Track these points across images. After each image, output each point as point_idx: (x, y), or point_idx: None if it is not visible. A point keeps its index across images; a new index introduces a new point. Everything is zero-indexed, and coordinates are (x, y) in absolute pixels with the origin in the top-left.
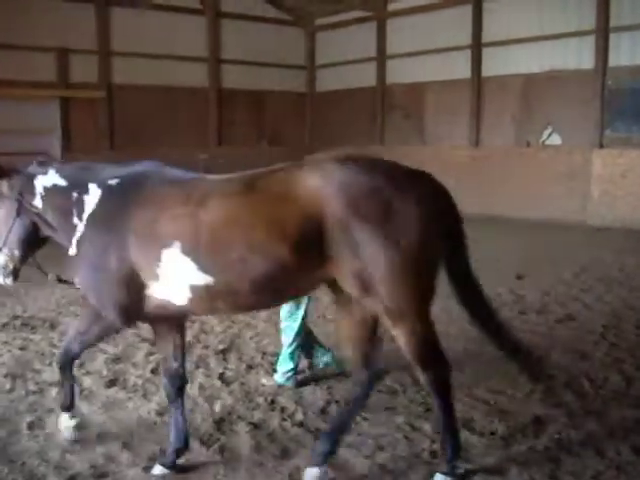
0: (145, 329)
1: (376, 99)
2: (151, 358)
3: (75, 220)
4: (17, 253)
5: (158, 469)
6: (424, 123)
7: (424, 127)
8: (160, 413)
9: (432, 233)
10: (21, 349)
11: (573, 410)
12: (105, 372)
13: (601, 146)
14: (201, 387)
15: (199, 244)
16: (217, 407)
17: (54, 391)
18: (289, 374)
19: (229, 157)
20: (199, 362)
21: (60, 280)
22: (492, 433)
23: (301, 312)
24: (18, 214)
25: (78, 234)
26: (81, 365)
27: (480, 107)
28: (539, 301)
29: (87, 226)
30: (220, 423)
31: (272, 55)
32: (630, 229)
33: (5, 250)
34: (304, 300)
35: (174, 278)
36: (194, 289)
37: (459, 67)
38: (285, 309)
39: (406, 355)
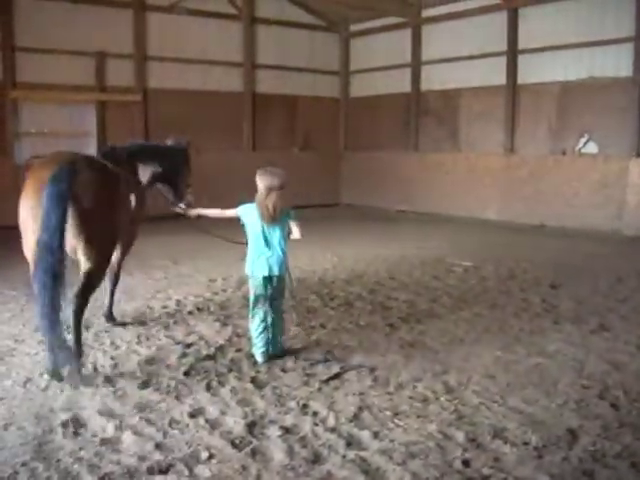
0: (179, 332)
1: (410, 105)
2: (184, 360)
3: None
4: None
5: None
6: (458, 130)
7: (458, 134)
8: (192, 415)
9: None
10: None
11: (607, 422)
12: (139, 373)
13: (638, 155)
14: (233, 390)
15: None
16: (249, 410)
17: (89, 390)
18: (262, 350)
19: (263, 161)
20: (231, 365)
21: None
22: (525, 443)
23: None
24: None
25: None
26: (115, 366)
27: (515, 114)
28: (573, 310)
29: None
30: (252, 427)
31: (306, 60)
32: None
33: None
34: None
35: None
36: None
37: (494, 74)
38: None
39: None
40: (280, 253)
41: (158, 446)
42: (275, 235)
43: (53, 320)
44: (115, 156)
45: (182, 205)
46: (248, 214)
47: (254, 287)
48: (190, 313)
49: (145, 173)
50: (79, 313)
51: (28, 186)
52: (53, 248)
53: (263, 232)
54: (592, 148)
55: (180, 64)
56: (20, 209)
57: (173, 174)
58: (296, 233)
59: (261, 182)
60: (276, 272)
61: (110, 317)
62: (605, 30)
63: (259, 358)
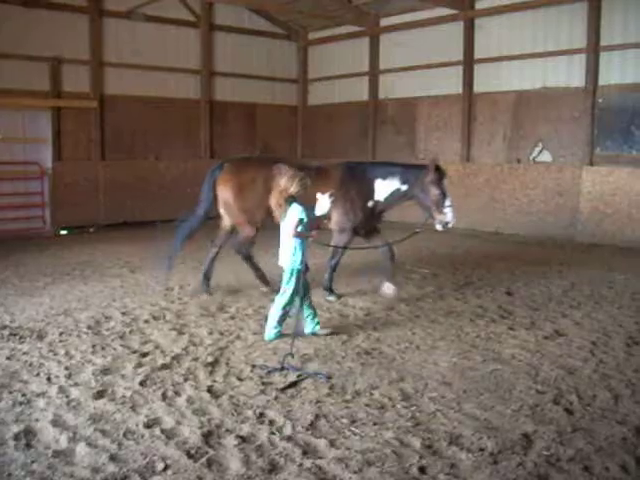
0: (135, 341)
1: (368, 113)
2: (139, 370)
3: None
4: None
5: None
6: (415, 138)
7: (415, 142)
8: (148, 425)
9: None
10: (8, 359)
11: (562, 427)
12: (93, 384)
13: (591, 164)
14: (189, 400)
15: None
16: (205, 420)
17: (41, 402)
18: (276, 331)
19: None
20: (187, 374)
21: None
22: (481, 449)
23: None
24: None
25: None
26: (69, 376)
27: (471, 123)
28: (528, 317)
29: None
30: (208, 436)
31: (265, 68)
32: (618, 247)
33: None
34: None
35: None
36: None
37: (451, 83)
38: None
39: None
40: (284, 247)
41: (113, 458)
42: (282, 230)
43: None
44: (352, 171)
45: (439, 226)
46: None
47: None
48: (146, 322)
49: (383, 189)
50: None
51: None
52: None
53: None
54: (546, 157)
55: (137, 70)
56: None
57: (417, 192)
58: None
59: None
60: (280, 263)
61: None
62: (559, 41)
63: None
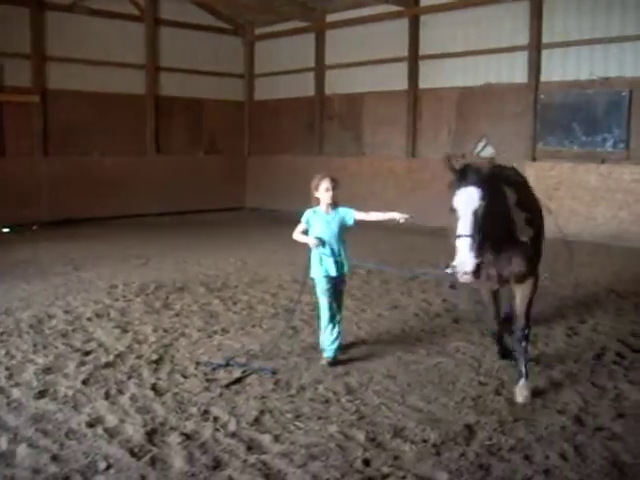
0: (77, 340)
1: (314, 109)
2: (82, 369)
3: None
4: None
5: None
6: (362, 134)
7: (362, 138)
8: (91, 424)
9: None
10: None
11: (503, 417)
12: (35, 383)
13: (534, 159)
14: (133, 398)
15: None
16: (149, 418)
17: None
18: (334, 346)
19: (167, 165)
20: (131, 372)
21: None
22: (424, 441)
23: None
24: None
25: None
26: (10, 376)
27: (416, 119)
28: (472, 310)
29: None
30: (152, 434)
31: (211, 63)
32: (561, 240)
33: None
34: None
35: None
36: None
37: (396, 79)
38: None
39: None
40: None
41: (54, 458)
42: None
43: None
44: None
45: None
46: None
47: None
48: (89, 320)
49: None
50: None
51: None
52: None
53: None
54: (490, 152)
55: (81, 65)
56: None
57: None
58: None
59: None
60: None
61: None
62: (502, 38)
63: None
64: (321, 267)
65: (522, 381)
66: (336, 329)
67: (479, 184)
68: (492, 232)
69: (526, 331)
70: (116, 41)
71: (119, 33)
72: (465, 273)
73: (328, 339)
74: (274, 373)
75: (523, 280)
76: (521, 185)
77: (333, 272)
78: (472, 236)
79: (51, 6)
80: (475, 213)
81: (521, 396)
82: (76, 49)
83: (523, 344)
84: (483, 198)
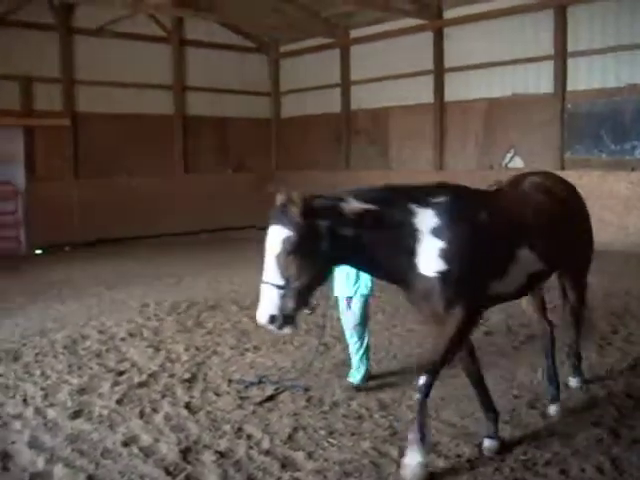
0: (111, 360)
1: (341, 125)
2: (116, 389)
3: (409, 242)
4: (311, 292)
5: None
6: (388, 148)
7: (388, 152)
8: (126, 443)
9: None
10: None
11: (537, 431)
12: (70, 403)
13: (562, 168)
14: (167, 416)
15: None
16: (183, 436)
17: (17, 424)
18: (365, 375)
19: (195, 184)
20: (165, 391)
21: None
22: (458, 456)
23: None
24: (323, 247)
25: (431, 251)
26: (45, 397)
27: (443, 131)
28: (504, 323)
29: (444, 240)
30: (186, 452)
31: (237, 82)
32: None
33: (298, 291)
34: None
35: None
36: (530, 276)
37: (422, 92)
38: (351, 321)
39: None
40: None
41: (91, 478)
42: None
43: None
44: None
45: None
46: None
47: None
48: (122, 340)
49: None
50: None
51: None
52: None
53: None
54: (518, 163)
55: (109, 87)
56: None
57: None
58: None
59: None
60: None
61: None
62: (526, 49)
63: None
64: (340, 287)
65: (409, 457)
66: (359, 353)
67: (289, 223)
68: (319, 277)
69: (425, 379)
70: (143, 63)
71: (146, 55)
72: (261, 325)
73: (353, 363)
74: (306, 390)
75: (441, 318)
76: (471, 207)
77: (348, 292)
78: (276, 284)
79: (79, 30)
80: (278, 258)
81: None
82: (104, 72)
83: (417, 397)
84: (292, 239)
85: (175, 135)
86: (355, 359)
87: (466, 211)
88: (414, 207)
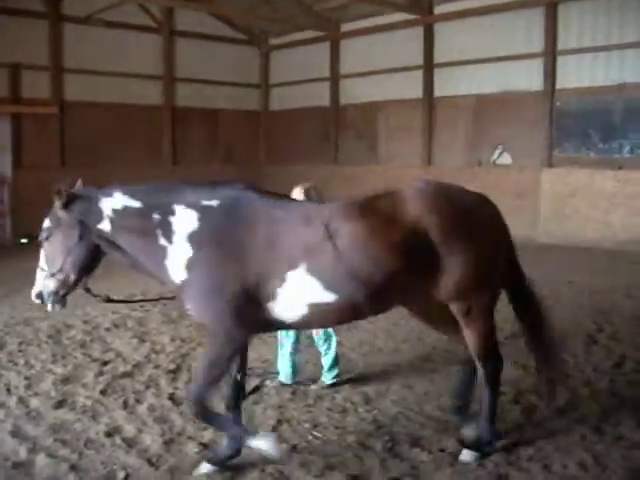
0: (96, 349)
1: (329, 119)
2: (100, 379)
3: (162, 242)
4: (72, 278)
5: (205, 467)
6: (377, 143)
7: (377, 147)
8: (109, 434)
9: (500, 248)
10: None
11: (522, 427)
12: (54, 393)
13: (550, 166)
14: (150, 407)
15: (325, 266)
16: (167, 427)
17: (0, 413)
18: (337, 375)
19: (184, 176)
20: (149, 382)
21: (110, 300)
22: (442, 450)
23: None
24: (80, 238)
25: (180, 257)
26: (29, 386)
27: (432, 127)
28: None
29: (194, 247)
30: (169, 444)
31: (226, 74)
32: (578, 247)
33: (59, 276)
34: None
35: (293, 296)
36: (313, 306)
37: (411, 87)
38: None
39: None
40: None
41: (73, 467)
42: None
43: None
44: None
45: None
46: None
47: None
48: (107, 330)
49: None
50: None
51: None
52: None
53: None
54: (506, 159)
55: (98, 76)
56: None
57: None
58: None
59: None
60: None
61: None
62: (517, 45)
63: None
64: None
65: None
66: (328, 355)
67: (50, 213)
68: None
69: (190, 402)
70: (132, 53)
71: (135, 45)
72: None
73: (324, 365)
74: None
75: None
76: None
77: None
78: (41, 267)
79: (68, 18)
80: (39, 244)
81: None
82: (93, 61)
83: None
84: (49, 228)
85: (164, 126)
86: (325, 361)
87: (231, 220)
88: (178, 208)
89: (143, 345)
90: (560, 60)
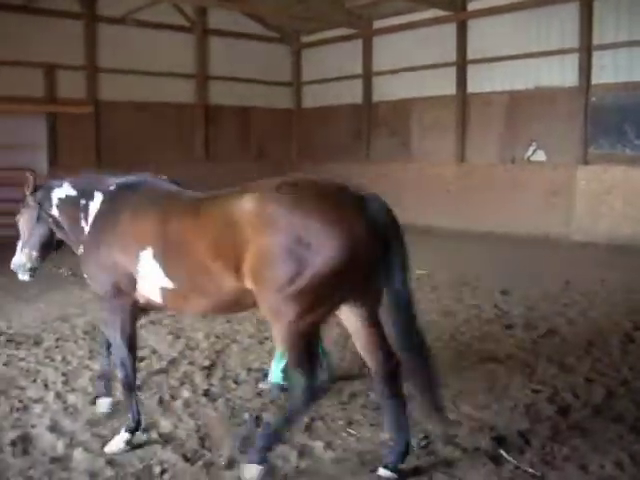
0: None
1: (362, 116)
2: (136, 375)
3: (82, 223)
4: (35, 254)
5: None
6: (410, 140)
7: (410, 144)
8: (146, 429)
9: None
10: (5, 365)
11: (557, 425)
12: (90, 389)
13: (585, 163)
14: (186, 403)
15: (164, 253)
16: (202, 423)
17: (38, 408)
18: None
19: (216, 173)
20: (184, 378)
21: (74, 275)
22: (477, 449)
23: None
24: (37, 221)
25: (85, 235)
26: (66, 382)
27: (465, 123)
28: (523, 316)
29: (91, 227)
30: (205, 439)
31: (259, 72)
32: (613, 244)
33: (25, 250)
34: None
35: (149, 278)
36: (163, 291)
37: (444, 84)
38: None
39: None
40: None
41: (110, 462)
42: None
43: None
44: None
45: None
46: None
47: None
48: (143, 326)
49: None
50: None
51: None
52: None
53: None
54: (540, 156)
55: (132, 76)
56: None
57: None
58: None
59: None
60: None
61: None
62: (551, 41)
63: None
64: None
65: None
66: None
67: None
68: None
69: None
70: (166, 52)
71: (169, 44)
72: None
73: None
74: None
75: None
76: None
77: None
78: (17, 241)
79: (103, 19)
80: (16, 222)
81: None
82: (127, 60)
83: None
84: (21, 210)
85: (197, 124)
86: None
87: (115, 202)
88: (96, 193)
89: (178, 342)
90: (596, 55)
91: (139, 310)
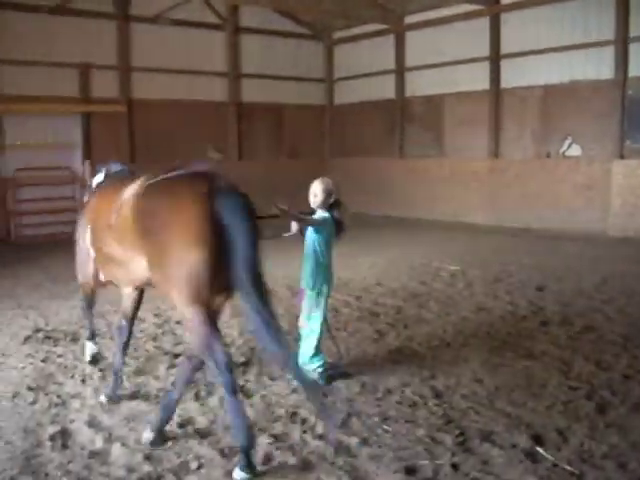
0: (167, 342)
1: (395, 111)
2: (172, 371)
3: None
4: None
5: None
6: (443, 135)
7: (443, 139)
8: (182, 425)
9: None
10: (43, 362)
11: (595, 422)
12: (127, 384)
13: (621, 157)
14: (222, 400)
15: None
16: None
17: (77, 403)
18: (320, 370)
19: (249, 171)
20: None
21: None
22: (514, 446)
23: (319, 313)
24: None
25: None
26: (103, 377)
27: (499, 118)
28: (560, 312)
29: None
30: None
31: (291, 69)
32: None
33: None
34: (322, 303)
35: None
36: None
37: (477, 79)
38: (304, 312)
39: None
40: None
41: (147, 457)
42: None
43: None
44: None
45: None
46: None
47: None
48: (178, 323)
49: None
50: None
51: None
52: None
53: None
54: (576, 150)
55: (164, 74)
56: None
57: None
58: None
59: None
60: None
61: None
62: (586, 34)
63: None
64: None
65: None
66: (308, 341)
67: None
68: None
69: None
70: (198, 50)
71: (201, 42)
72: None
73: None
74: (360, 376)
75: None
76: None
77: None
78: None
79: (136, 18)
80: None
81: None
82: (160, 59)
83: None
84: None
85: (229, 122)
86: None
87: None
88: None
89: None
90: (632, 47)
91: None
